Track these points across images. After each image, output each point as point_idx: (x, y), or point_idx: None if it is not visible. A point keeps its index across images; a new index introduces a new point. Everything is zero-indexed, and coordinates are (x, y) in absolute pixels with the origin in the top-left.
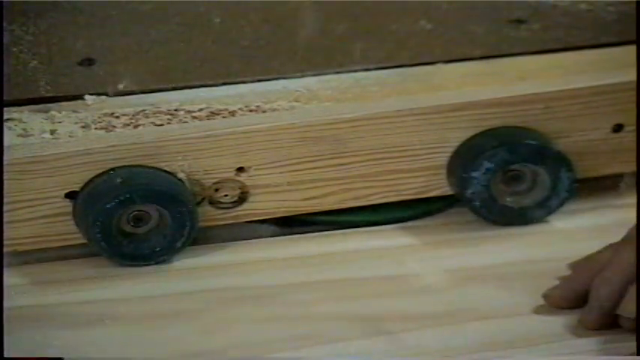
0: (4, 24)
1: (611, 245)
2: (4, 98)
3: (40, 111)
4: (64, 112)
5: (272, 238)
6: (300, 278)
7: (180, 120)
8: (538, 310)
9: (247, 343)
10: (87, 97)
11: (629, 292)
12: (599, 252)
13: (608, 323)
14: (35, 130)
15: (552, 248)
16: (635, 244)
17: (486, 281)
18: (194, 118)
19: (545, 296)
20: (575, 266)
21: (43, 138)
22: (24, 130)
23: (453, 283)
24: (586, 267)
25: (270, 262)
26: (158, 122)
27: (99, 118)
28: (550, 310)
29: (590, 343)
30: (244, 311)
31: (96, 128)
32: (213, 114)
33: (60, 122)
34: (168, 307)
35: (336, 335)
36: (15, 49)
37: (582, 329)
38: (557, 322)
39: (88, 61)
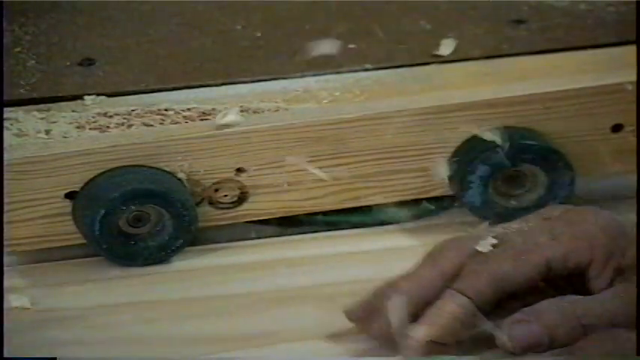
0: (4, 24)
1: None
2: (4, 98)
3: (35, 110)
4: (59, 112)
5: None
6: (142, 297)
7: (173, 121)
8: (345, 331)
9: None
10: (86, 97)
11: (426, 316)
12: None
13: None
14: (30, 130)
15: None
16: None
17: (328, 299)
18: (185, 118)
19: (345, 312)
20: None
21: (39, 138)
22: (20, 130)
23: (296, 300)
24: (388, 282)
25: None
26: (150, 123)
27: (93, 118)
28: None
29: None
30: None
31: (90, 128)
32: (204, 114)
33: (55, 122)
34: None
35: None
36: (15, 49)
37: (383, 349)
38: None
39: (88, 61)
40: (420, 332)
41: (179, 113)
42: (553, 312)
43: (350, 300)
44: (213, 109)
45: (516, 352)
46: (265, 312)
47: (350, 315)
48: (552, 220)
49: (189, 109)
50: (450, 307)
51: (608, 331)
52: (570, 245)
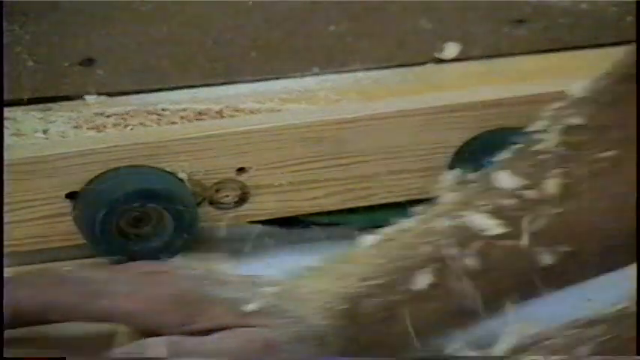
0: (4, 24)
1: None
2: (4, 98)
3: (34, 110)
4: (58, 112)
5: None
6: None
7: (169, 121)
8: None
9: None
10: (87, 97)
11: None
12: None
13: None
14: (28, 130)
15: None
16: None
17: None
18: (182, 118)
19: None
20: None
21: (37, 138)
22: (18, 129)
23: None
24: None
25: None
26: (147, 123)
27: (90, 118)
28: None
29: None
30: None
31: (88, 128)
32: (200, 114)
33: (53, 122)
34: None
35: None
36: (15, 49)
37: None
38: None
39: (88, 61)
40: None
41: (175, 113)
42: (159, 346)
43: None
44: (209, 109)
45: None
46: None
47: None
48: (137, 275)
49: (184, 109)
50: None
51: None
52: (141, 306)
